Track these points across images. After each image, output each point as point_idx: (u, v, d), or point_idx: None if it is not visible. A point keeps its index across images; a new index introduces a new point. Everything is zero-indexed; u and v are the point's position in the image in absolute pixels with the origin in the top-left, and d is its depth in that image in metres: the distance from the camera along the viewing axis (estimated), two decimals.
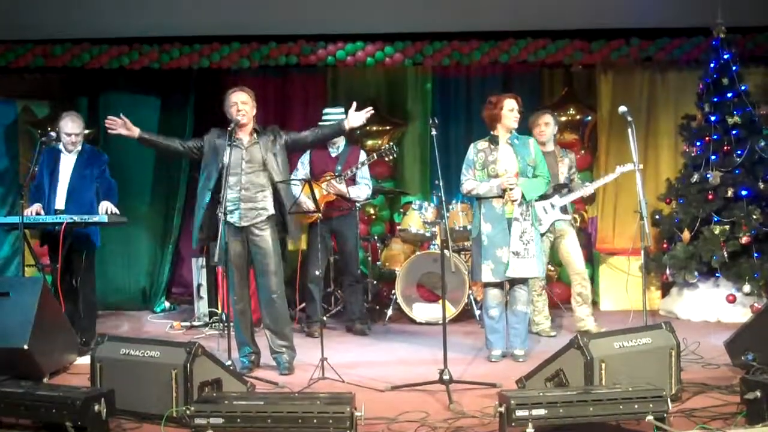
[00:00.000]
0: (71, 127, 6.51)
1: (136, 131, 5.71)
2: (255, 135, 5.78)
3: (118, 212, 6.36)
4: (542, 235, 6.60)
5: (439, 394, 4.86)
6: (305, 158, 7.34)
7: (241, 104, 5.69)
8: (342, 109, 7.32)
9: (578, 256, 6.93)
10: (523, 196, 5.80)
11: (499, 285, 5.97)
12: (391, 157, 7.80)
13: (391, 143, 7.77)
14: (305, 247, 7.41)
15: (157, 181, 9.20)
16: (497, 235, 5.82)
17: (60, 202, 6.45)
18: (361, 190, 7.31)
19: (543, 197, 6.65)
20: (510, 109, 5.90)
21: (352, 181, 7.25)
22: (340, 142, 7.32)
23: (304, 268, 7.33)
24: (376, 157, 7.32)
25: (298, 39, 8.58)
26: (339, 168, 7.21)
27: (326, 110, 7.41)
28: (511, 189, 5.78)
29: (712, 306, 7.56)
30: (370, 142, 9.32)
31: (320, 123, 7.17)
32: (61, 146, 6.57)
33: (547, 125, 6.93)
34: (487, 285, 5.96)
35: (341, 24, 8.37)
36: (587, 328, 6.76)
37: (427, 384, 5.02)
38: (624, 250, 8.20)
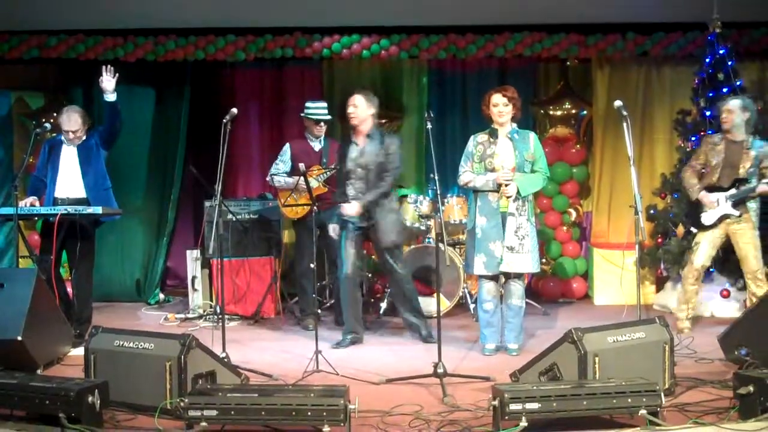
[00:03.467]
0: (68, 124, 6.50)
1: None
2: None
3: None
4: (708, 227, 6.51)
5: (433, 388, 4.87)
6: (286, 155, 7.28)
7: (352, 106, 6.27)
8: (324, 104, 7.32)
9: (753, 254, 6.44)
10: (518, 192, 5.80)
11: (493, 279, 5.97)
12: None
13: None
14: (289, 240, 7.42)
15: (151, 173, 9.18)
16: (491, 229, 5.83)
17: (65, 192, 6.48)
18: None
19: (718, 189, 6.46)
20: (494, 105, 5.89)
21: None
22: (321, 135, 7.31)
23: (296, 261, 7.34)
24: None
25: (294, 31, 8.56)
26: (325, 161, 7.19)
27: (308, 104, 7.33)
28: (506, 185, 5.77)
29: (706, 301, 7.57)
30: None
31: (308, 114, 7.20)
32: (63, 137, 6.57)
33: (729, 113, 6.51)
34: (481, 278, 5.98)
35: (337, 16, 8.35)
36: None
37: (421, 377, 5.03)
38: (619, 245, 8.19)
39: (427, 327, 6.46)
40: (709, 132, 7.47)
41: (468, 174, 5.95)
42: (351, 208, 6.21)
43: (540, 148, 6.03)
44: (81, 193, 6.49)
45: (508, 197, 5.79)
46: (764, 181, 6.38)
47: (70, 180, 6.50)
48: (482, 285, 5.99)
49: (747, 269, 6.49)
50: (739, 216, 6.42)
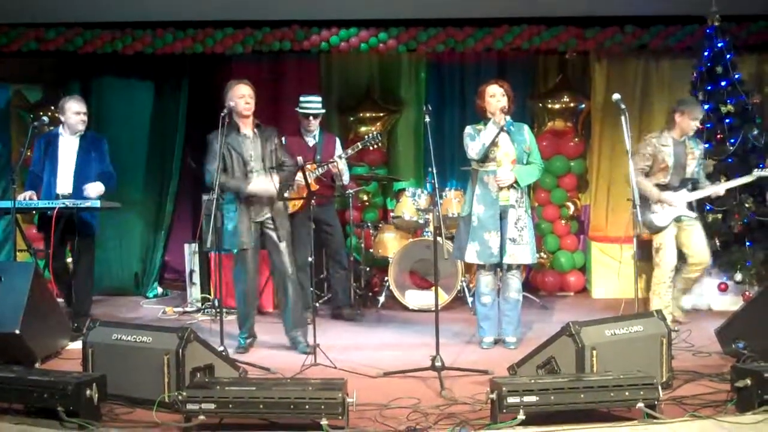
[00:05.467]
0: (79, 105, 6.52)
1: None
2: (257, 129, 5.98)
3: (101, 192, 6.42)
4: (663, 228, 6.49)
5: (430, 381, 4.87)
6: None
7: (249, 97, 5.87)
8: (317, 98, 7.29)
9: (701, 247, 6.61)
10: (517, 183, 5.81)
11: (492, 272, 5.98)
12: (376, 146, 7.71)
13: (375, 132, 7.71)
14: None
15: (150, 166, 9.18)
16: (488, 219, 5.84)
17: (64, 186, 6.47)
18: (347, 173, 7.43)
19: (666, 189, 6.49)
20: (491, 95, 5.89)
21: (335, 168, 7.19)
22: (316, 130, 7.30)
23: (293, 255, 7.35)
24: (361, 147, 7.29)
25: (291, 24, 8.55)
26: (318, 157, 7.17)
27: (301, 98, 7.30)
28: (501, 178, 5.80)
29: (704, 294, 7.58)
30: (363, 129, 9.31)
31: (298, 109, 7.19)
32: (60, 130, 6.57)
33: (694, 119, 6.61)
34: (479, 272, 5.99)
35: (335, 10, 8.33)
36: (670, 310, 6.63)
37: (419, 370, 5.04)
38: (616, 238, 8.20)
39: (304, 338, 5.93)
40: (707, 125, 7.47)
41: (476, 142, 5.88)
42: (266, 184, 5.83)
43: (534, 139, 6.06)
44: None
45: (501, 187, 5.80)
46: (717, 183, 6.75)
47: (70, 174, 6.50)
48: (480, 278, 6.00)
49: (701, 261, 6.61)
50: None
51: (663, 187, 6.54)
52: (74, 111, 6.51)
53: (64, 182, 6.48)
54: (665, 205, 6.50)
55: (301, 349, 5.79)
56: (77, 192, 6.41)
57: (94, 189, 6.38)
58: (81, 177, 6.49)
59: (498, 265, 5.97)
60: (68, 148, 6.54)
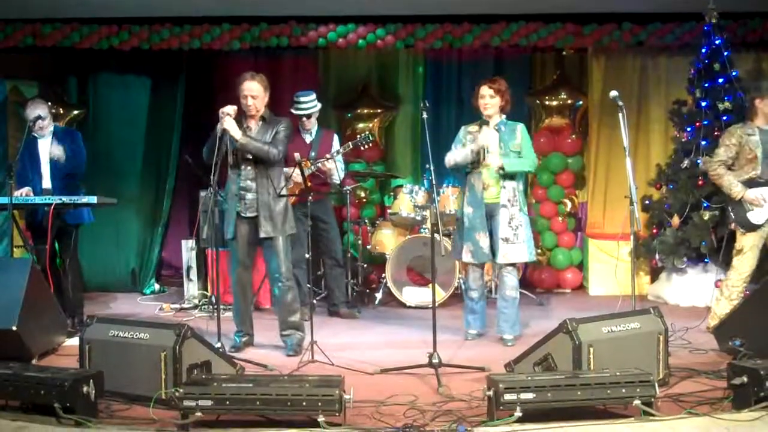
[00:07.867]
0: (33, 112, 6.48)
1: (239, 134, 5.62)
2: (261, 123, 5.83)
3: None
4: (759, 226, 5.85)
5: (428, 378, 4.88)
6: None
7: (251, 98, 5.73)
8: (311, 96, 7.24)
9: None
10: (503, 170, 5.85)
11: (480, 267, 6.08)
12: (367, 146, 7.65)
13: (367, 132, 7.67)
14: None
15: (146, 162, 9.16)
16: (476, 220, 5.93)
17: (46, 183, 6.48)
18: (339, 172, 7.35)
19: (760, 184, 5.85)
20: (481, 97, 5.94)
21: (324, 167, 7.16)
22: (313, 127, 7.27)
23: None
24: (351, 146, 7.24)
25: (289, 20, 8.52)
26: (313, 154, 7.14)
27: (294, 97, 7.25)
28: (488, 152, 5.83)
29: (701, 291, 7.58)
30: (360, 125, 9.30)
31: (292, 110, 7.15)
32: (35, 132, 6.56)
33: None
34: (469, 267, 6.11)
35: (333, 5, 8.31)
36: None
37: (416, 367, 5.05)
38: (614, 235, 8.17)
39: (293, 340, 5.79)
40: (705, 122, 7.49)
41: (449, 153, 6.00)
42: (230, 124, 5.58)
43: (527, 138, 6.06)
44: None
45: (489, 166, 5.85)
46: None
47: (47, 171, 6.52)
48: (469, 273, 6.15)
49: None
50: None
51: (752, 182, 5.89)
52: (29, 118, 6.48)
53: (46, 180, 6.49)
54: (762, 200, 5.85)
55: (287, 351, 5.69)
56: (55, 189, 6.41)
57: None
58: (54, 173, 6.50)
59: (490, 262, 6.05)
60: (44, 147, 6.56)
